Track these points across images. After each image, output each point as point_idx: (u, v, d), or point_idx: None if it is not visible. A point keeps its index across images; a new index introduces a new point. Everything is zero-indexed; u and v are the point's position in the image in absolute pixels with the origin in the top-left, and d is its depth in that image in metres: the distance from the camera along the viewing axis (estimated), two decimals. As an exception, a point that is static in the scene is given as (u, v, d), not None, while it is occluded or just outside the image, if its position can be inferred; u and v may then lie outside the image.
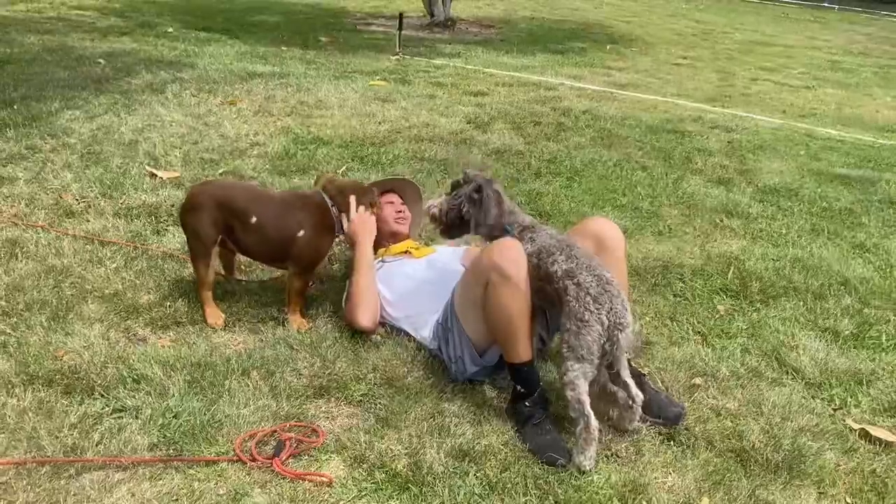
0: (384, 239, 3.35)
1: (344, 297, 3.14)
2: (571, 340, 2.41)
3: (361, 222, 3.09)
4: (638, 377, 2.62)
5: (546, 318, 2.84)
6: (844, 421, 2.74)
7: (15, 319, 2.93)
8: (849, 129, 7.11)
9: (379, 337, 3.01)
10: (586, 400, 2.39)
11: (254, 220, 3.00)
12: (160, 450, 2.32)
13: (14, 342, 2.78)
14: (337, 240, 3.18)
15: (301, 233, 3.00)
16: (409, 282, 3.11)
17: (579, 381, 2.39)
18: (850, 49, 13.55)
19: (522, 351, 2.56)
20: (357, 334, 3.00)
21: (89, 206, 4.03)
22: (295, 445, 2.36)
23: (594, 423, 2.37)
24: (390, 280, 3.12)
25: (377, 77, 7.58)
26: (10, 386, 2.54)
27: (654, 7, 18.29)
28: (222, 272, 3.29)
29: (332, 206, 3.06)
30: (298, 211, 3.04)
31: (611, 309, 2.40)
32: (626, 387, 2.51)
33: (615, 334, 2.40)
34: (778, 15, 19.34)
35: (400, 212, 3.41)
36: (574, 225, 3.05)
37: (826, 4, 22.80)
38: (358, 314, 2.97)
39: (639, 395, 2.50)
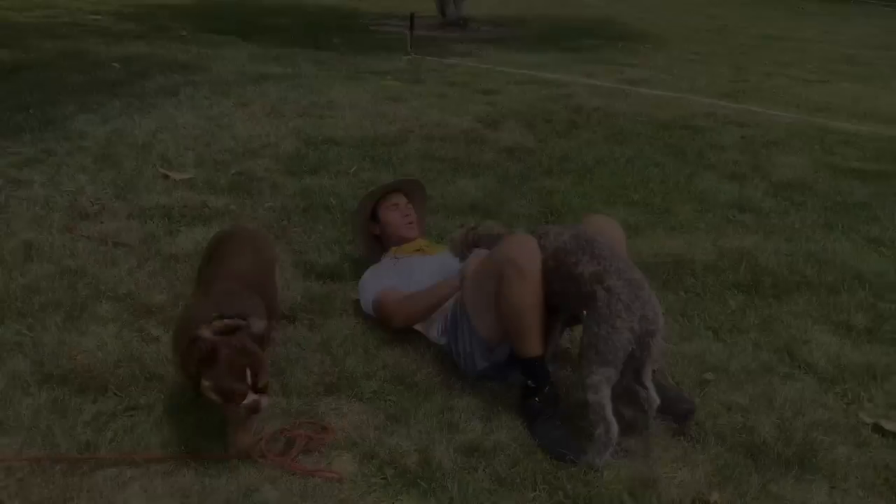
0: (394, 244, 3.36)
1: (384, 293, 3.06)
2: (599, 345, 2.35)
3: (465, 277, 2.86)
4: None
5: (561, 323, 2.80)
6: (857, 415, 2.71)
7: (31, 320, 2.97)
8: (865, 123, 7.04)
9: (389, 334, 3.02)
10: (608, 404, 2.35)
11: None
12: (172, 447, 2.35)
13: (30, 342, 2.82)
14: None
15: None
16: (423, 278, 3.10)
17: (602, 385, 2.35)
18: (867, 42, 13.41)
19: (534, 345, 2.56)
20: (368, 331, 3.02)
21: (103, 208, 4.07)
22: (305, 442, 2.37)
23: (615, 428, 2.34)
24: (405, 276, 3.13)
25: (389, 77, 7.59)
26: (25, 385, 2.58)
27: (668, 3, 18.18)
28: None
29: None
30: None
31: (643, 316, 2.34)
32: (645, 390, 2.48)
33: (647, 341, 2.36)
34: (794, 9, 19.17)
35: (407, 215, 3.41)
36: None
37: (843, -3, 22.53)
38: (401, 319, 2.98)
39: (656, 401, 2.47)
